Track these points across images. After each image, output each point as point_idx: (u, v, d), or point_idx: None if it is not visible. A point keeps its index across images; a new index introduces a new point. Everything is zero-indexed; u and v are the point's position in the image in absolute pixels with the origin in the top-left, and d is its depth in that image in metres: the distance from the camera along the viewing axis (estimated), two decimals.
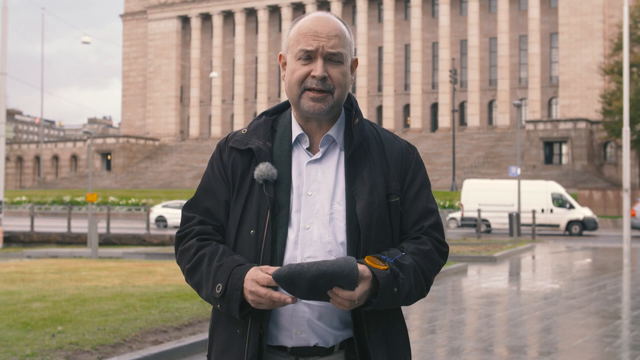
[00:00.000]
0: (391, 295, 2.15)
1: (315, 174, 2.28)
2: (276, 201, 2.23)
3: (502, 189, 35.25)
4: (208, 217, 2.32)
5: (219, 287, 2.16)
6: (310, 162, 2.29)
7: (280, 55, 2.38)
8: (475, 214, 32.96)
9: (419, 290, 2.25)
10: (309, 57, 2.25)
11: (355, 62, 2.37)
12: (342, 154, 2.30)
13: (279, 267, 2.09)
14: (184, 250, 2.30)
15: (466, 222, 35.03)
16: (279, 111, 2.41)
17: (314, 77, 2.23)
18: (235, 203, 2.29)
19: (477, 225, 31.17)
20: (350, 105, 2.38)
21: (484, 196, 34.70)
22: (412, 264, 2.21)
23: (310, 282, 2.04)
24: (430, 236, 2.32)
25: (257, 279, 2.10)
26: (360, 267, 2.11)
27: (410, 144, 2.42)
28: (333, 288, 2.06)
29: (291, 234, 2.23)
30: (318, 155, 2.30)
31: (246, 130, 2.37)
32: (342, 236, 2.23)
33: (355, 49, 2.40)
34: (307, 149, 2.31)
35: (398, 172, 2.33)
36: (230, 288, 2.14)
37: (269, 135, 2.33)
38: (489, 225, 34.68)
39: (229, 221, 2.31)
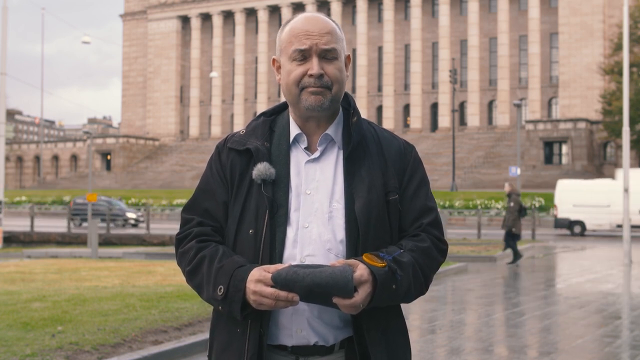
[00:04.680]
0: (390, 293, 2.15)
1: (314, 173, 2.28)
2: (274, 200, 2.24)
3: (598, 189, 34.90)
4: (207, 218, 2.32)
5: (220, 289, 2.17)
6: (308, 161, 2.29)
7: (274, 60, 2.39)
8: (569, 215, 33.04)
9: (418, 287, 2.25)
10: (303, 56, 2.25)
11: (347, 59, 2.37)
12: (341, 152, 2.31)
13: (278, 269, 2.10)
14: (184, 253, 2.30)
15: (560, 223, 34.87)
16: (277, 112, 2.42)
17: (311, 75, 2.24)
18: (234, 203, 2.30)
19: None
20: (348, 104, 2.38)
21: (579, 197, 34.36)
22: (410, 261, 2.21)
23: (306, 291, 2.07)
24: (429, 234, 2.32)
25: (262, 279, 2.10)
26: (359, 271, 2.11)
27: (408, 142, 2.43)
28: (333, 297, 2.08)
29: (290, 232, 2.23)
30: (316, 154, 2.30)
31: (244, 131, 2.38)
32: (341, 234, 2.23)
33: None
34: (305, 148, 2.31)
35: (396, 170, 2.34)
36: (231, 290, 2.15)
37: (267, 136, 2.34)
38: (584, 227, 34.35)
39: (228, 221, 2.31)
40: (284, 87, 2.31)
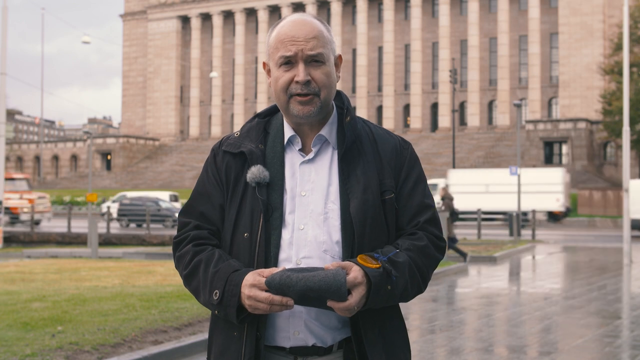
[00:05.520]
0: (385, 294, 2.15)
1: (309, 174, 2.27)
2: (269, 203, 2.23)
3: None
4: (204, 222, 2.32)
5: (216, 293, 2.17)
6: (303, 162, 2.29)
7: (264, 63, 2.38)
8: None
9: (416, 286, 2.24)
10: (289, 62, 2.24)
11: (339, 59, 2.36)
12: (335, 153, 2.30)
13: (272, 274, 2.09)
14: (181, 257, 2.30)
15: (634, 224, 34.48)
16: (272, 113, 2.41)
17: (297, 82, 2.23)
18: (229, 206, 2.29)
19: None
20: (342, 103, 2.37)
21: None
22: (406, 261, 2.20)
23: (299, 295, 2.06)
24: (427, 231, 2.30)
25: (257, 283, 2.10)
26: (353, 273, 2.10)
27: (405, 139, 2.41)
28: (327, 301, 2.07)
29: (286, 234, 2.22)
30: (311, 155, 2.29)
31: (239, 133, 2.37)
32: (337, 235, 2.22)
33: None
34: (299, 149, 2.30)
35: (392, 168, 2.32)
36: (227, 294, 2.15)
37: (261, 138, 2.33)
38: None
39: (224, 224, 2.31)
40: (273, 92, 2.30)
